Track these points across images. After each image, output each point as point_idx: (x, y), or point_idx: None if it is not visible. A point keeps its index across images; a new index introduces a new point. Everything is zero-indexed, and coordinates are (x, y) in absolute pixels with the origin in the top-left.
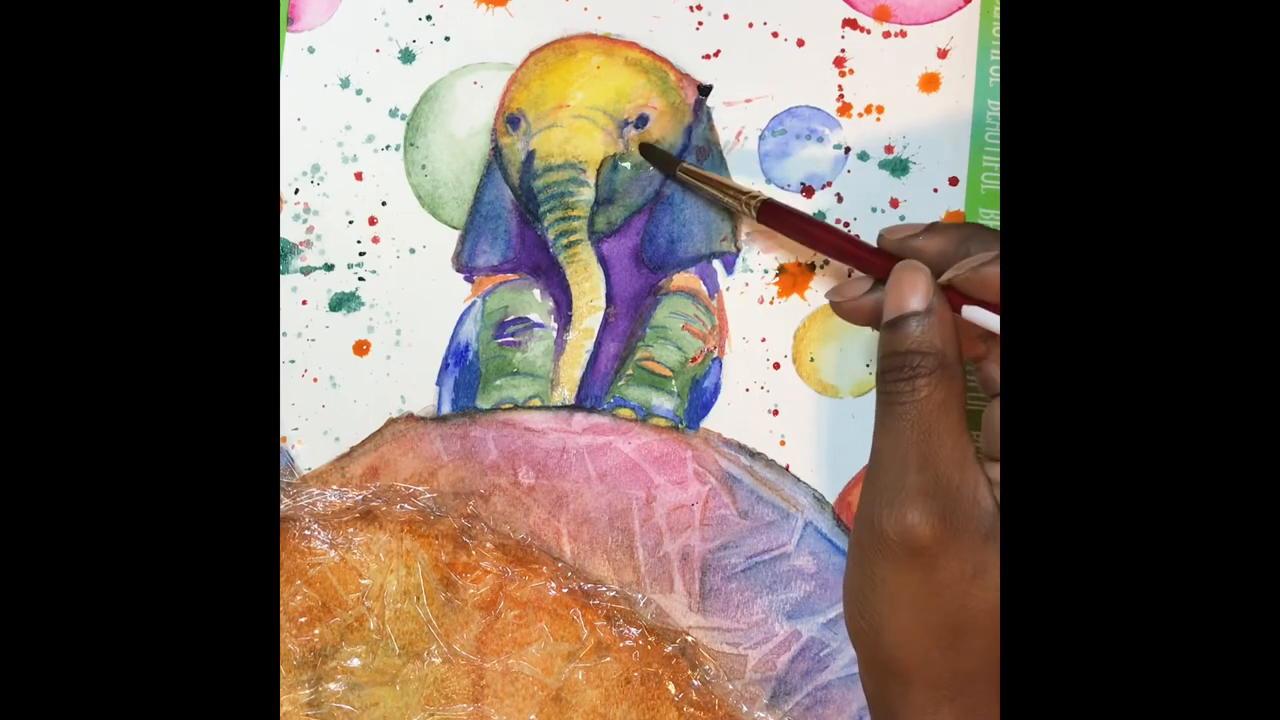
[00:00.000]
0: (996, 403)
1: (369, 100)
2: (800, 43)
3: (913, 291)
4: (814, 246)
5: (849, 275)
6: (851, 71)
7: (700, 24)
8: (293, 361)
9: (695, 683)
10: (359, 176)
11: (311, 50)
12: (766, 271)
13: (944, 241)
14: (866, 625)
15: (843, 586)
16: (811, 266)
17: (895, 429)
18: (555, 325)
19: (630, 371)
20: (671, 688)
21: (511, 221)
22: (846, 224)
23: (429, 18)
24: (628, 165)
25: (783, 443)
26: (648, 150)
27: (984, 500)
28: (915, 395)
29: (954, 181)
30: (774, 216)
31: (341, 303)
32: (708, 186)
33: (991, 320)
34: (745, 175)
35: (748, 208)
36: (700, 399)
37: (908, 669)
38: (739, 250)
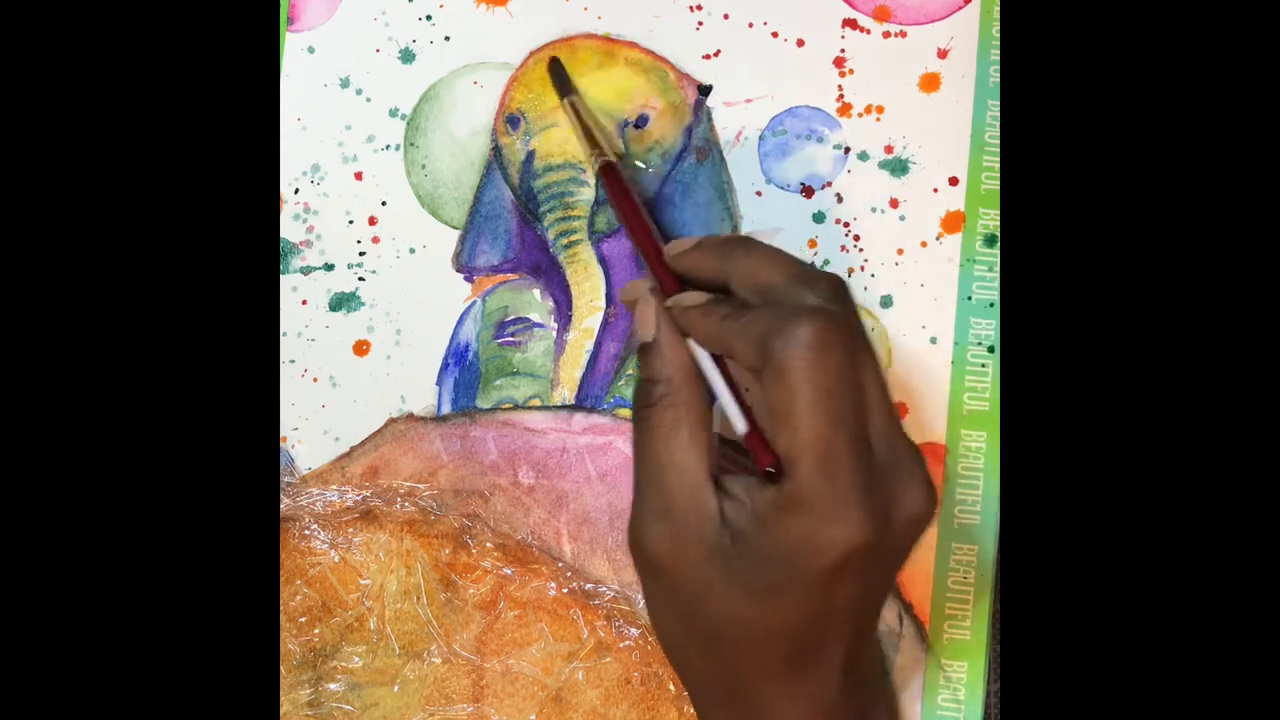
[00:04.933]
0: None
1: (369, 100)
2: (800, 43)
3: (640, 321)
4: (628, 235)
5: None
6: (851, 71)
7: (700, 24)
8: (293, 361)
9: None
10: (359, 176)
11: (311, 50)
12: None
13: (708, 258)
14: (651, 628)
15: None
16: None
17: (638, 452)
18: (555, 325)
19: (630, 371)
20: (672, 687)
21: (511, 221)
22: (847, 224)
23: (429, 18)
24: (628, 165)
25: None
26: (555, 68)
27: (708, 523)
28: (647, 421)
29: (954, 181)
30: (610, 184)
31: (341, 303)
32: (579, 130)
33: (700, 354)
34: (745, 175)
35: (593, 163)
36: None
37: (681, 670)
38: None
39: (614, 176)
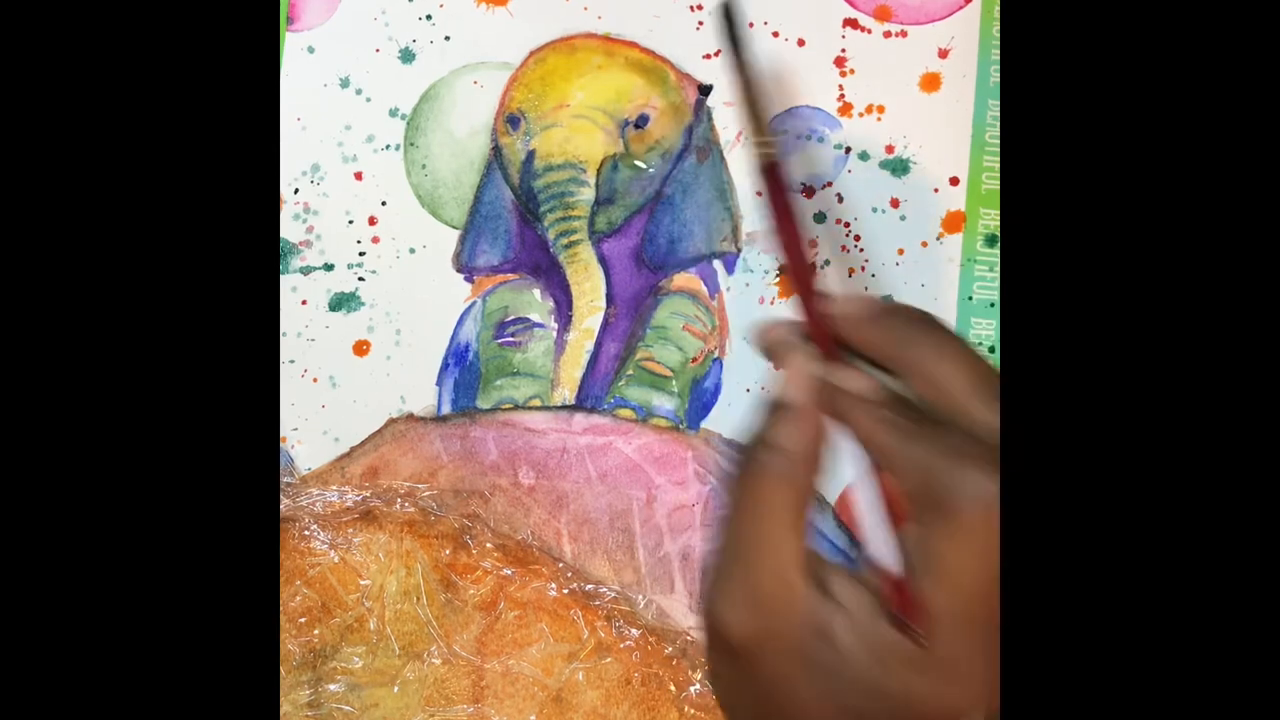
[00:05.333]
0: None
1: (369, 100)
2: (801, 43)
3: (790, 380)
4: (782, 258)
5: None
6: (852, 71)
7: (700, 24)
8: (292, 361)
9: (696, 683)
10: (359, 176)
11: (311, 50)
12: (767, 272)
13: (888, 338)
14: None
15: None
16: (812, 267)
17: (734, 520)
18: (555, 325)
19: (630, 372)
20: (672, 688)
21: (511, 221)
22: (847, 224)
23: (429, 17)
24: (628, 165)
25: None
26: (725, 14)
27: (799, 619)
28: (756, 492)
29: (954, 181)
30: (770, 186)
31: (341, 303)
32: (744, 106)
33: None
34: (745, 175)
35: (757, 156)
36: (701, 399)
37: None
38: (739, 250)
39: (778, 180)
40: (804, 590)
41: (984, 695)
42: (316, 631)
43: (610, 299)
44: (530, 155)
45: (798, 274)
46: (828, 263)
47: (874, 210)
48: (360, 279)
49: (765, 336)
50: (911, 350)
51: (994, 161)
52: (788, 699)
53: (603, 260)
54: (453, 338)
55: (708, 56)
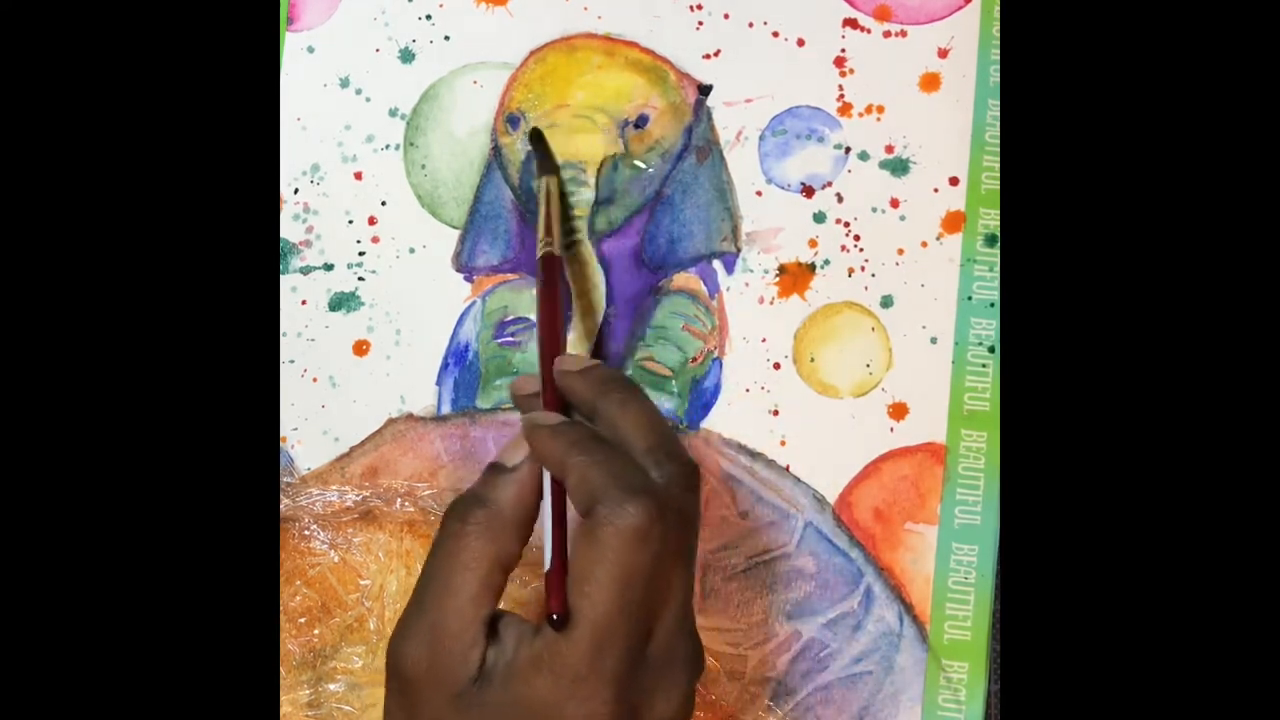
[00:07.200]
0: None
1: (369, 100)
2: (800, 42)
3: (513, 447)
4: (538, 331)
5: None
6: (852, 71)
7: (700, 24)
8: (292, 361)
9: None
10: (359, 176)
11: (311, 50)
12: (767, 272)
13: (586, 388)
14: None
15: None
16: (812, 267)
17: (429, 564)
18: None
19: (630, 372)
20: None
21: (511, 221)
22: (847, 224)
23: (429, 17)
24: (628, 165)
25: (783, 443)
26: (536, 141)
27: (466, 662)
28: (454, 540)
29: (954, 181)
30: (546, 276)
31: (341, 303)
32: (542, 211)
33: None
34: (745, 175)
35: (539, 248)
36: (701, 399)
37: None
38: (739, 250)
39: (553, 270)
40: (480, 637)
41: (610, 718)
42: (316, 631)
43: (610, 299)
44: (530, 155)
45: (543, 334)
46: (828, 262)
47: (874, 210)
48: (360, 279)
49: (513, 388)
50: (603, 403)
51: (994, 161)
52: None
53: (603, 260)
54: (452, 338)
55: (708, 56)
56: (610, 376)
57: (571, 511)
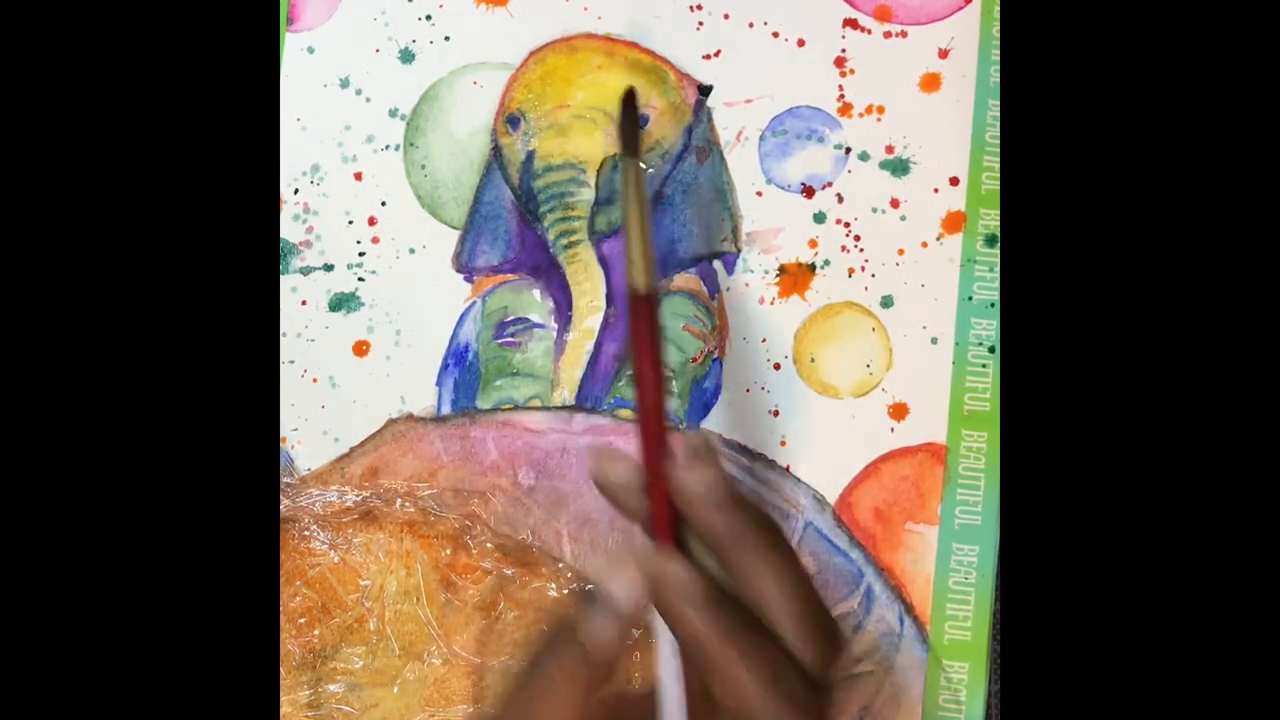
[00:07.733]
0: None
1: (369, 100)
2: (800, 43)
3: (618, 573)
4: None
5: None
6: (852, 71)
7: (700, 24)
8: (292, 362)
9: None
10: (359, 176)
11: (311, 50)
12: (767, 272)
13: (725, 527)
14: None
15: None
16: (812, 267)
17: (524, 693)
18: (555, 326)
19: (630, 371)
20: None
21: (511, 221)
22: (847, 224)
23: (429, 18)
24: None
25: (783, 443)
26: (629, 106)
27: None
28: (548, 674)
29: (954, 181)
30: (641, 320)
31: (341, 303)
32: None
33: (665, 648)
34: (745, 175)
35: (630, 279)
36: (700, 399)
37: None
38: (739, 250)
39: (650, 313)
40: None
41: None
42: (316, 632)
43: (610, 299)
44: (530, 155)
45: (649, 439)
46: (828, 263)
47: (874, 210)
48: (360, 279)
49: (606, 475)
50: (745, 556)
51: (994, 161)
52: None
53: (603, 260)
54: (452, 338)
55: (708, 56)
56: (752, 522)
57: (668, 638)
